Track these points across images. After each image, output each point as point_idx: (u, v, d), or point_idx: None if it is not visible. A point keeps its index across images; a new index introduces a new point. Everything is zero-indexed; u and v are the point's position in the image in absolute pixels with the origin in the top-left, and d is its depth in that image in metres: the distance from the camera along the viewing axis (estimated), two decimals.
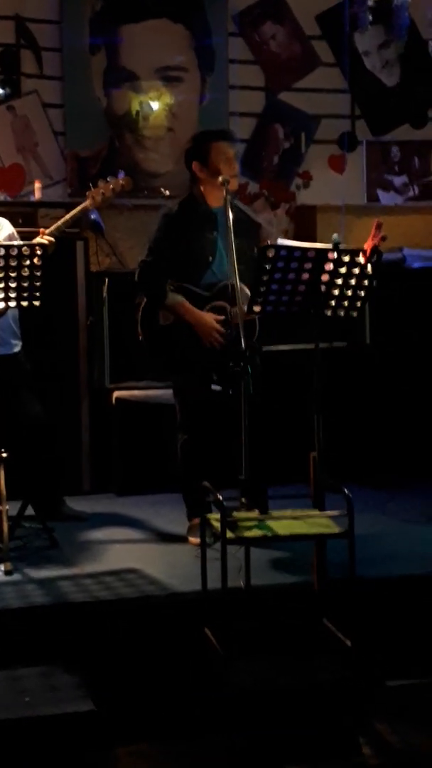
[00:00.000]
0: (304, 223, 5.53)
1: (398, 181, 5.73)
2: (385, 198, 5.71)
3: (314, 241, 5.30)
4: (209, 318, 3.74)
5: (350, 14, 5.29)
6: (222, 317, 3.74)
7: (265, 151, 5.51)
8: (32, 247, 3.34)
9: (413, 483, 4.73)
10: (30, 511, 3.83)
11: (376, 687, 3.25)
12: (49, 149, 5.18)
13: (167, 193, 5.24)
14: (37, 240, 3.74)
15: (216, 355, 3.72)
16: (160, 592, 3.31)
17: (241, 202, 4.06)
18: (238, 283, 3.33)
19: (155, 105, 5.34)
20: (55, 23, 5.17)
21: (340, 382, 4.54)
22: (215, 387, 3.93)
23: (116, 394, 4.70)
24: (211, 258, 3.78)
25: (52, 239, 3.74)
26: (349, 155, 5.62)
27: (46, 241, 3.72)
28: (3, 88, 5.11)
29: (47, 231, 3.77)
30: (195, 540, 3.74)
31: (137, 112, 5.31)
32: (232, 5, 5.39)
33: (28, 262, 3.31)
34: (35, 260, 3.31)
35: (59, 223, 3.84)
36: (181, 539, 3.88)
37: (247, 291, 3.34)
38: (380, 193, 5.71)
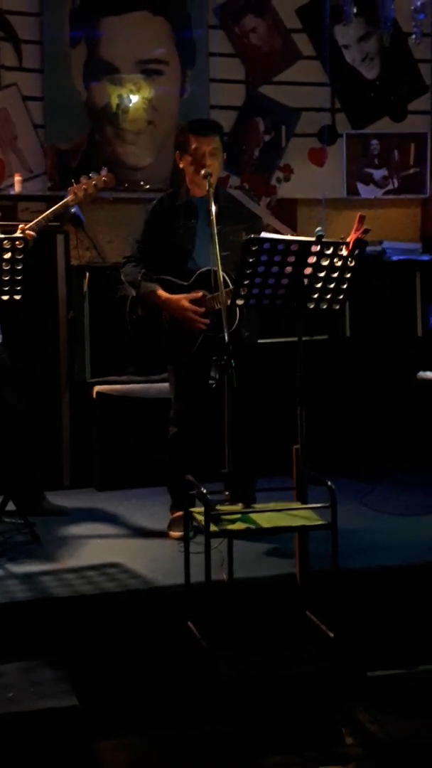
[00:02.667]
0: (285, 217, 5.53)
1: (378, 174, 5.74)
2: (365, 191, 5.72)
3: (295, 234, 5.32)
4: (180, 299, 3.68)
5: (333, 7, 5.28)
6: (200, 294, 3.68)
7: (245, 144, 5.51)
8: (13, 240, 3.31)
9: (393, 474, 4.76)
10: (11, 506, 3.82)
11: (358, 677, 3.27)
12: (28, 142, 5.15)
13: (147, 186, 5.23)
14: (18, 235, 3.71)
15: (205, 340, 3.69)
16: (143, 586, 3.31)
17: (240, 192, 4.01)
18: (220, 270, 3.32)
19: (135, 98, 5.32)
20: (35, 15, 5.13)
21: (320, 375, 4.55)
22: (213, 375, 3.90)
23: (97, 388, 4.68)
24: (190, 246, 3.77)
25: (32, 233, 3.72)
26: (329, 148, 5.62)
27: (26, 236, 3.69)
28: None
29: (28, 225, 3.75)
30: (175, 534, 3.76)
31: (117, 105, 5.29)
32: None
33: (8, 256, 3.29)
34: (16, 254, 3.29)
35: (40, 218, 3.82)
36: (163, 533, 3.87)
37: (229, 279, 3.33)
38: (360, 186, 5.72)
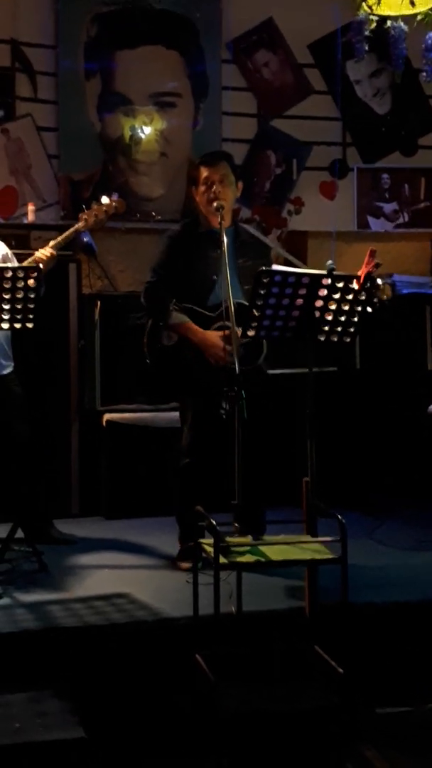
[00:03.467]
0: (296, 249, 5.56)
1: (388, 208, 5.78)
2: (376, 225, 5.76)
3: (305, 266, 5.35)
4: (214, 336, 3.70)
5: (345, 43, 5.35)
6: (228, 332, 3.71)
7: (257, 176, 5.56)
8: (27, 270, 3.34)
9: (402, 508, 4.74)
10: (19, 533, 3.81)
11: (366, 714, 3.23)
12: (42, 172, 5.20)
13: (159, 217, 5.27)
14: (40, 252, 3.76)
15: (224, 373, 3.70)
16: (151, 618, 3.29)
17: (248, 226, 4.05)
18: (233, 305, 3.34)
19: (148, 130, 5.38)
20: (50, 48, 5.21)
21: (330, 407, 4.55)
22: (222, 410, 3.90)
23: (107, 416, 4.69)
24: (215, 277, 3.77)
25: (54, 252, 3.77)
26: (340, 182, 5.67)
27: (48, 253, 3.75)
28: None
29: (51, 244, 3.80)
30: (184, 564, 3.74)
31: (130, 137, 5.35)
32: (226, 33, 5.45)
33: (22, 284, 3.31)
34: (29, 282, 3.31)
35: (59, 239, 3.85)
36: (171, 564, 3.86)
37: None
38: (370, 219, 5.76)
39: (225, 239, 3.47)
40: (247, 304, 3.30)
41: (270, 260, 3.84)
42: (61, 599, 3.45)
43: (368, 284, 3.12)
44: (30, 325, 3.39)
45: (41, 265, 3.76)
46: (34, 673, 3.08)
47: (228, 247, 3.58)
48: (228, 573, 3.13)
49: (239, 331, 3.27)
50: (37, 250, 3.94)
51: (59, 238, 3.89)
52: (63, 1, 5.17)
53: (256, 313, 3.07)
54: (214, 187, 3.71)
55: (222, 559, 2.90)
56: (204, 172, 3.76)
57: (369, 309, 3.12)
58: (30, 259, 3.80)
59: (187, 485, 3.81)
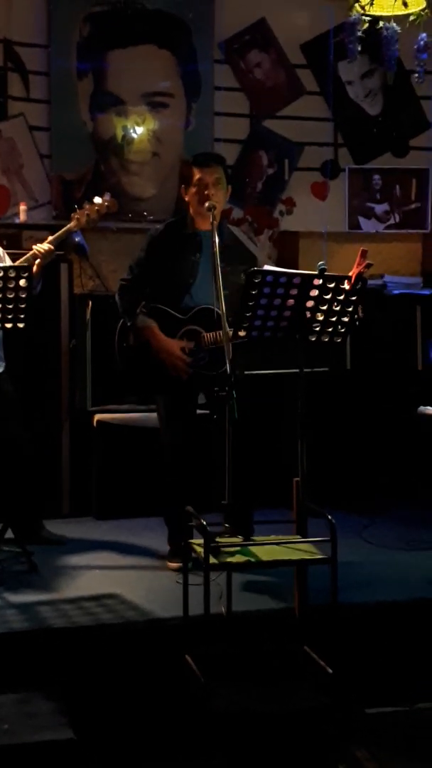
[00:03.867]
0: (287, 249, 5.57)
1: (380, 208, 5.79)
2: (367, 225, 5.77)
3: (296, 266, 5.36)
4: (174, 345, 3.72)
5: (338, 44, 5.36)
6: (191, 344, 3.73)
7: (249, 177, 5.56)
8: (18, 269, 3.33)
9: (392, 508, 4.75)
10: (9, 534, 3.80)
11: (356, 714, 3.24)
12: (34, 172, 5.19)
13: (151, 217, 5.27)
14: (38, 246, 3.76)
15: (191, 377, 3.72)
16: (141, 618, 3.29)
17: (237, 228, 4.05)
18: (223, 307, 3.34)
19: (140, 130, 5.38)
20: (43, 47, 5.19)
21: (320, 407, 4.54)
22: (201, 411, 3.94)
23: (97, 417, 4.69)
24: (191, 280, 3.79)
25: (52, 246, 3.78)
26: (331, 183, 5.67)
27: (46, 247, 3.76)
28: None
29: (49, 239, 3.80)
30: (174, 564, 3.74)
31: (123, 137, 5.34)
32: (219, 33, 5.45)
33: (13, 284, 3.30)
34: (21, 282, 3.30)
35: (51, 238, 3.85)
36: (161, 564, 3.85)
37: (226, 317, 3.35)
38: (362, 220, 5.76)
39: (216, 239, 3.45)
40: (218, 311, 3.33)
41: (253, 266, 3.83)
42: (51, 600, 3.45)
43: (359, 284, 3.12)
44: (21, 325, 3.38)
45: (40, 260, 3.77)
46: (24, 674, 3.07)
47: (208, 249, 3.58)
48: (218, 573, 3.14)
49: (230, 331, 3.27)
50: (28, 249, 3.94)
51: (51, 238, 3.89)
52: (55, 0, 5.16)
53: (247, 314, 3.07)
54: (207, 190, 3.70)
55: (212, 560, 2.90)
56: (197, 174, 3.76)
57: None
58: (29, 254, 3.80)
59: (171, 485, 3.81)
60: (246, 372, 4.06)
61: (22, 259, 3.78)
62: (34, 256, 3.78)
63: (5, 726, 2.80)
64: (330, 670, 2.99)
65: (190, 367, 3.72)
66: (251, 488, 3.68)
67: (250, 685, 3.04)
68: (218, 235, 3.50)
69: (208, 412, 3.81)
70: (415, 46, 4.10)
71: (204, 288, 3.77)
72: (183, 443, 3.81)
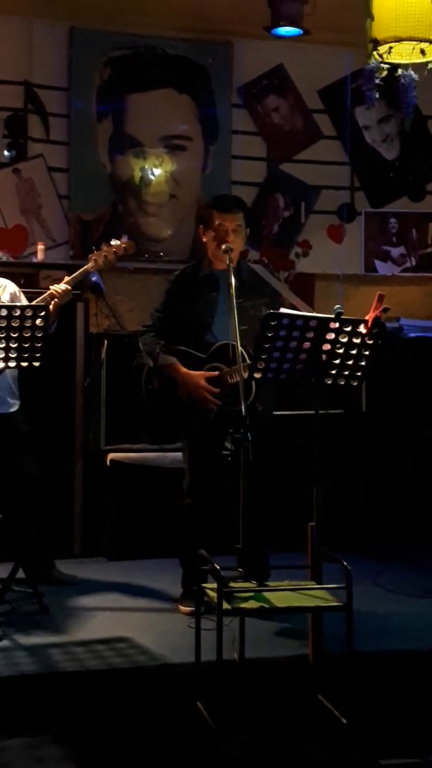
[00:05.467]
0: (303, 291, 5.58)
1: (396, 252, 5.81)
2: (383, 268, 5.78)
3: (312, 309, 5.36)
4: (198, 376, 3.71)
5: (355, 89, 5.42)
6: (216, 373, 3.72)
7: (265, 219, 5.59)
8: (35, 308, 3.35)
9: (408, 553, 4.69)
10: (20, 574, 3.77)
11: (370, 765, 3.17)
12: (52, 212, 5.25)
13: (167, 258, 5.30)
14: (55, 287, 3.79)
15: (217, 414, 3.69)
16: (152, 663, 3.25)
17: (257, 266, 4.05)
18: (239, 344, 3.33)
19: (158, 172, 5.43)
20: (63, 90, 5.28)
21: (336, 450, 4.52)
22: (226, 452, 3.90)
23: (111, 456, 4.67)
24: (210, 319, 3.79)
25: (69, 287, 3.81)
26: (347, 226, 5.70)
27: (63, 288, 3.78)
28: (9, 151, 5.19)
29: (66, 280, 3.83)
30: (186, 608, 3.70)
31: (141, 179, 5.39)
32: (237, 78, 5.53)
33: (29, 323, 3.31)
34: (37, 321, 3.31)
35: (69, 279, 3.87)
36: (173, 607, 3.81)
37: (246, 353, 3.35)
38: (378, 263, 5.78)
39: (232, 280, 3.46)
40: (235, 347, 3.32)
41: (277, 301, 3.84)
42: (62, 642, 3.41)
43: (376, 329, 3.11)
44: (37, 364, 3.38)
45: (57, 300, 3.79)
46: (33, 717, 3.03)
47: (226, 288, 3.58)
48: (231, 618, 3.09)
49: (246, 373, 3.25)
50: (45, 288, 3.96)
51: (69, 278, 3.91)
52: (77, 44, 5.25)
53: (263, 356, 3.06)
54: (227, 236, 3.71)
55: (225, 605, 2.86)
56: (217, 219, 3.75)
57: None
58: (45, 294, 3.82)
59: (189, 527, 3.78)
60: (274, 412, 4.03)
61: (38, 299, 3.80)
62: (51, 296, 3.80)
63: None
64: (344, 720, 2.93)
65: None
66: (267, 532, 3.64)
67: (262, 734, 2.98)
68: (237, 273, 3.50)
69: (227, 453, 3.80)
70: None
71: (223, 325, 3.75)
72: (204, 486, 3.78)
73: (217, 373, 3.71)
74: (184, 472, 3.87)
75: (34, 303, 3.66)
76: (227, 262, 3.58)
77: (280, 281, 5.43)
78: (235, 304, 3.38)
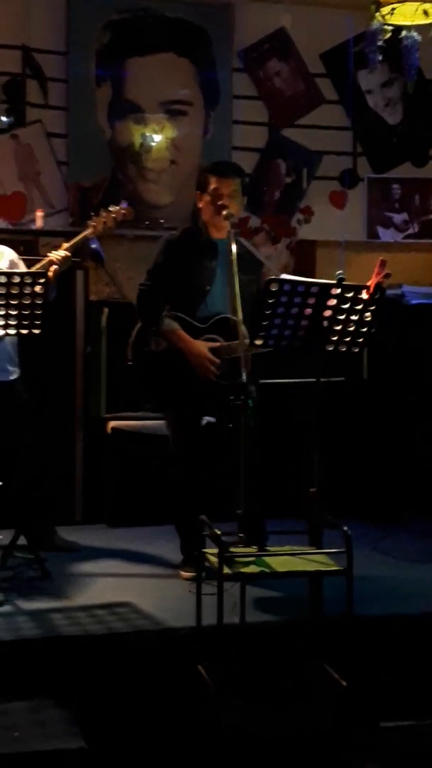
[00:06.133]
0: (305, 258, 5.55)
1: (398, 218, 5.76)
2: (385, 235, 5.75)
3: (314, 275, 5.33)
4: (203, 347, 3.70)
5: (357, 53, 5.35)
6: (218, 344, 3.72)
7: (266, 185, 5.55)
8: (34, 275, 3.33)
9: (408, 519, 4.70)
10: (22, 540, 3.79)
11: (370, 728, 3.20)
12: (51, 178, 5.21)
13: (167, 225, 5.26)
14: (54, 254, 3.76)
15: (210, 385, 3.70)
16: (153, 627, 3.26)
17: (243, 239, 4.04)
18: (240, 316, 3.32)
19: (158, 138, 5.38)
20: (61, 54, 5.22)
21: (336, 417, 4.52)
22: (208, 419, 3.92)
23: (112, 424, 4.67)
24: (208, 287, 3.77)
25: (68, 253, 3.79)
26: (350, 192, 5.66)
27: (62, 255, 3.76)
28: (7, 117, 5.14)
29: (64, 246, 3.81)
30: (186, 574, 3.72)
31: (140, 144, 5.35)
32: (238, 41, 5.46)
33: (29, 290, 3.29)
34: (37, 288, 3.30)
35: (67, 245, 3.85)
36: (174, 573, 3.83)
37: (243, 327, 3.34)
38: (380, 229, 5.74)
39: (234, 248, 3.43)
40: (235, 319, 3.32)
41: (260, 276, 3.83)
42: (63, 607, 3.43)
43: (378, 295, 3.10)
44: (37, 331, 3.37)
45: (56, 267, 3.77)
46: (35, 681, 3.05)
47: (224, 258, 3.57)
48: (231, 583, 3.11)
49: (246, 340, 3.24)
50: (45, 256, 3.94)
51: (67, 244, 3.89)
52: (75, 7, 5.18)
53: (264, 323, 3.05)
54: (221, 200, 3.68)
55: (226, 570, 2.87)
56: (213, 183, 3.73)
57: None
58: (44, 260, 3.80)
59: (182, 494, 3.79)
60: (262, 381, 4.05)
61: (37, 266, 3.78)
62: (50, 263, 3.78)
63: (16, 734, 2.78)
64: (344, 683, 2.95)
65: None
66: (264, 497, 3.65)
67: (263, 698, 3.01)
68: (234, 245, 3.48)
69: (214, 420, 3.80)
70: None
71: (219, 296, 3.76)
72: (193, 454, 3.78)
73: (218, 344, 3.70)
74: (170, 440, 3.86)
75: (32, 270, 3.64)
76: (228, 228, 3.56)
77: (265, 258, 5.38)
78: (236, 272, 3.36)
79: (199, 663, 3.05)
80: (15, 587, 3.61)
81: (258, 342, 3.09)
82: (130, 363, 3.82)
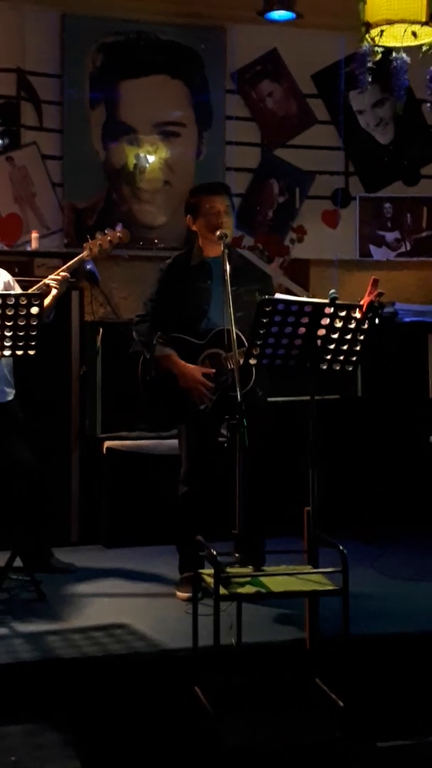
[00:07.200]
0: (298, 277, 5.58)
1: (390, 236, 5.80)
2: (378, 253, 5.78)
3: (306, 290, 5.36)
4: (195, 371, 3.73)
5: (348, 74, 5.39)
6: (212, 370, 3.74)
7: (260, 205, 5.58)
8: (29, 297, 3.34)
9: (403, 537, 4.71)
10: (18, 562, 3.78)
11: (367, 747, 3.19)
12: (46, 200, 5.23)
13: (162, 245, 5.29)
14: (51, 277, 3.78)
15: (218, 399, 3.70)
16: (150, 649, 3.26)
17: (248, 252, 4.06)
18: (234, 330, 3.34)
19: (152, 158, 5.41)
20: (56, 77, 5.25)
21: (331, 435, 4.53)
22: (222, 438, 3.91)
23: (107, 444, 4.67)
24: (206, 307, 3.80)
25: (66, 274, 3.82)
26: (342, 211, 5.70)
27: (60, 277, 3.78)
28: (2, 139, 5.17)
29: (63, 268, 3.85)
30: (183, 594, 3.71)
31: (134, 165, 5.38)
32: (231, 63, 5.50)
33: (24, 312, 3.31)
34: (32, 310, 3.31)
35: (63, 267, 3.88)
36: (171, 593, 3.82)
37: (243, 338, 3.36)
38: (372, 248, 5.77)
39: (227, 267, 3.46)
40: (237, 332, 3.35)
41: (269, 286, 3.85)
42: (60, 629, 3.42)
43: (371, 313, 3.11)
44: (32, 352, 3.38)
45: (57, 290, 3.79)
46: (32, 704, 3.04)
47: (219, 274, 3.60)
48: (228, 604, 3.10)
49: (241, 359, 3.26)
50: (40, 277, 3.97)
51: (64, 267, 3.91)
52: (69, 30, 5.22)
53: (258, 342, 3.06)
54: (219, 218, 3.71)
55: (222, 590, 2.87)
56: (207, 202, 3.76)
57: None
58: (40, 283, 3.82)
59: (185, 514, 3.79)
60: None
61: (33, 288, 3.80)
62: (47, 286, 3.81)
63: (12, 758, 2.76)
64: (341, 703, 2.94)
65: (215, 389, 3.71)
66: (262, 517, 3.65)
67: (260, 718, 2.99)
68: (227, 259, 3.51)
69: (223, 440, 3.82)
70: (427, 76, 4.11)
71: (219, 312, 3.77)
72: (200, 473, 3.78)
73: (213, 370, 3.73)
74: (180, 459, 3.88)
75: (29, 292, 3.65)
76: (221, 248, 3.58)
77: (268, 266, 5.42)
78: (229, 289, 3.38)
79: (196, 684, 3.04)
80: (11, 609, 3.60)
81: (252, 361, 3.11)
82: (142, 389, 3.83)
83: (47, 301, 3.80)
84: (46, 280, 3.84)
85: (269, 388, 3.87)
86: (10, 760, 2.75)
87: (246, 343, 3.31)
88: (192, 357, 3.75)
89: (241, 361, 3.25)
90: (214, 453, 3.76)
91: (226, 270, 3.44)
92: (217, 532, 3.22)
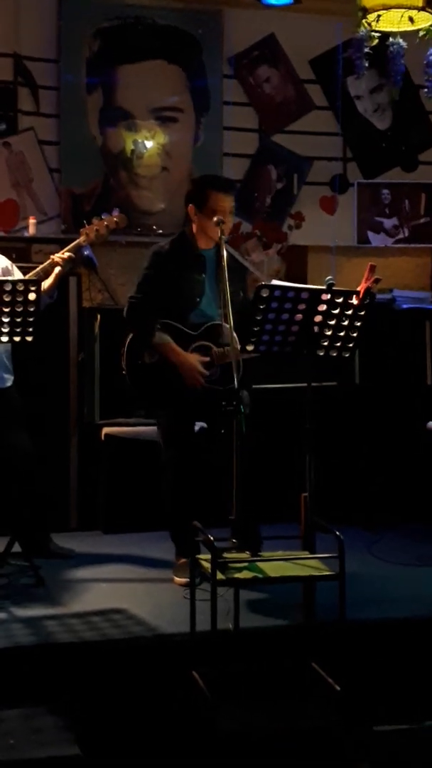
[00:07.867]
0: (296, 263, 5.57)
1: (388, 223, 5.79)
2: (376, 240, 5.77)
3: (305, 280, 5.36)
4: (194, 359, 3.76)
5: (346, 59, 5.38)
6: (207, 359, 3.76)
7: (257, 191, 5.57)
8: (27, 282, 3.34)
9: (400, 523, 4.72)
10: (16, 547, 3.79)
11: (364, 732, 3.21)
12: (43, 185, 5.22)
13: (160, 231, 5.28)
14: (58, 255, 3.78)
15: (202, 391, 3.73)
16: (147, 634, 3.27)
17: (229, 246, 4.08)
18: (232, 323, 3.35)
19: (149, 144, 5.40)
20: (52, 62, 5.23)
21: (329, 422, 4.53)
22: (201, 424, 3.95)
23: (105, 430, 4.68)
24: (198, 299, 3.83)
25: (71, 254, 3.84)
26: (340, 197, 5.68)
27: (65, 256, 3.83)
28: None
29: (67, 248, 3.88)
30: (180, 580, 3.73)
31: (132, 151, 5.36)
32: (228, 48, 5.48)
33: (21, 298, 3.31)
34: (29, 296, 3.31)
35: (64, 250, 3.88)
36: (168, 579, 3.84)
37: (234, 334, 3.37)
38: (370, 234, 5.76)
39: (224, 252, 3.48)
40: (226, 325, 3.38)
41: (245, 283, 3.89)
42: (58, 614, 3.44)
43: (368, 300, 3.12)
44: (30, 338, 3.39)
45: (59, 268, 3.79)
46: (30, 688, 3.06)
47: (212, 269, 3.65)
48: (225, 589, 3.12)
49: (238, 347, 3.27)
50: (38, 263, 3.97)
51: (66, 248, 3.92)
52: (65, 15, 5.20)
53: (255, 329, 3.06)
54: (226, 216, 3.72)
55: (219, 575, 2.89)
56: (217, 199, 3.73)
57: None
58: (46, 263, 3.83)
59: (175, 500, 3.80)
60: (255, 386, 4.08)
61: (39, 268, 3.82)
62: (52, 265, 3.82)
63: (11, 741, 2.78)
64: (338, 688, 2.96)
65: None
66: (258, 503, 3.67)
67: (256, 703, 3.01)
68: (219, 254, 3.52)
69: (206, 426, 3.83)
70: (424, 61, 4.10)
71: (210, 306, 3.83)
72: (186, 459, 3.80)
73: (208, 358, 3.77)
74: (161, 447, 3.88)
75: (27, 277, 3.66)
76: (219, 234, 3.58)
77: (251, 264, 5.41)
78: (227, 289, 3.38)
79: (194, 669, 3.06)
80: (9, 594, 3.62)
81: (249, 347, 3.11)
82: (124, 373, 3.84)
83: (50, 280, 3.82)
84: (55, 257, 3.85)
85: (254, 377, 3.90)
86: (8, 743, 2.77)
87: (238, 340, 3.31)
88: (182, 346, 3.78)
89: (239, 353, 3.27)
90: (192, 441, 3.81)
91: (223, 257, 3.45)
92: (211, 519, 3.23)
